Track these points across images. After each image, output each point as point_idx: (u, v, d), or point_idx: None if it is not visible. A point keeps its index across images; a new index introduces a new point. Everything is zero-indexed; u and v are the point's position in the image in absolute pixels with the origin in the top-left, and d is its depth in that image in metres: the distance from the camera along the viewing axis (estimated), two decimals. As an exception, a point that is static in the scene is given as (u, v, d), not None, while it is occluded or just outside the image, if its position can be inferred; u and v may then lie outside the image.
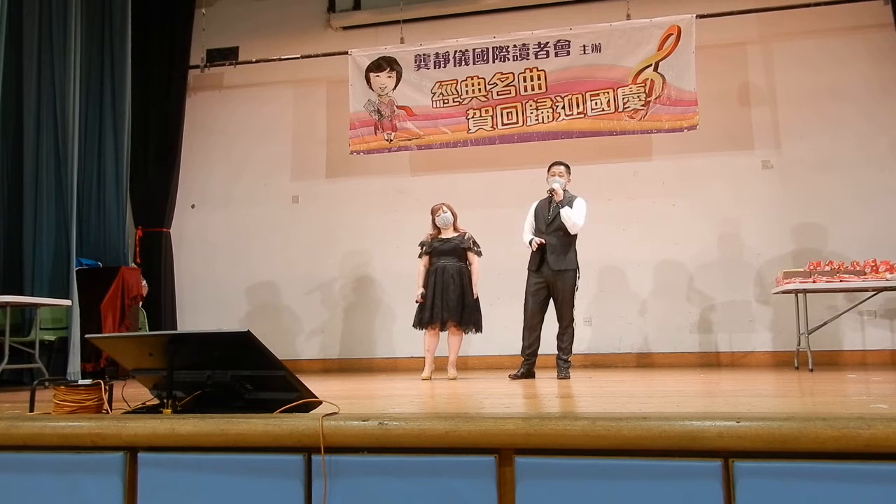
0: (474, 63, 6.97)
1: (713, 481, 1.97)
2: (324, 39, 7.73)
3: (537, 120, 6.82)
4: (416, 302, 5.27)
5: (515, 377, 5.01)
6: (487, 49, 6.96)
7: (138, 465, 2.30)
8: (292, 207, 7.73)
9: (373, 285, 7.45)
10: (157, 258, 7.31)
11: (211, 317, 7.65)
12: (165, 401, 2.44)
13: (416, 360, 6.30)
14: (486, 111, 6.93)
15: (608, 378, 4.96)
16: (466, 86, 6.98)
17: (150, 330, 6.74)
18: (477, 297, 5.25)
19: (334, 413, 2.24)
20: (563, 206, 5.06)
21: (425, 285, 5.26)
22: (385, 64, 7.15)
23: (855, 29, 6.74)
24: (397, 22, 7.39)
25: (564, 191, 5.23)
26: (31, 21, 5.78)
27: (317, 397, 2.52)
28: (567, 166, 5.28)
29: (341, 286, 7.54)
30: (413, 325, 5.32)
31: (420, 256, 5.39)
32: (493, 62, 6.94)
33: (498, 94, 6.92)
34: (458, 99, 6.99)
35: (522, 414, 2.19)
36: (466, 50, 7.00)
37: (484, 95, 6.94)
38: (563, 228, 5.08)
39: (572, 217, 5.04)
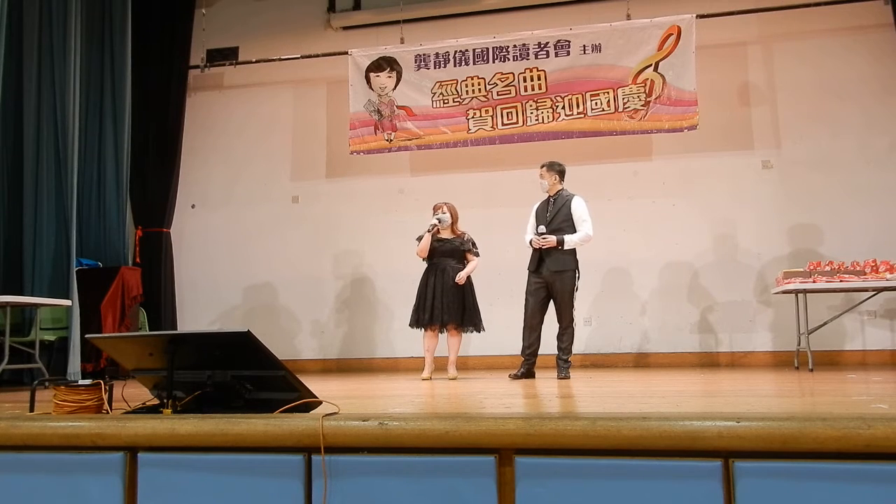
0: (474, 63, 6.97)
1: (713, 481, 1.97)
2: (324, 39, 7.73)
3: (537, 120, 6.82)
4: (431, 226, 5.22)
5: (515, 377, 5.01)
6: (487, 49, 6.96)
7: (138, 465, 2.30)
8: (292, 207, 7.73)
9: (373, 285, 7.45)
10: (157, 258, 7.31)
11: (211, 317, 7.66)
12: (165, 401, 2.45)
13: (416, 360, 6.30)
14: (486, 111, 6.93)
15: (608, 378, 4.96)
16: (466, 86, 6.98)
17: (150, 330, 6.74)
18: (475, 300, 5.26)
19: (334, 413, 2.24)
20: (560, 245, 5.03)
21: (425, 285, 5.25)
22: (385, 64, 7.15)
23: (855, 29, 6.74)
24: (397, 22, 7.39)
25: (562, 190, 5.24)
26: (31, 21, 5.78)
27: (317, 397, 2.52)
28: (549, 165, 5.25)
29: (341, 286, 7.54)
30: (409, 325, 5.31)
31: (427, 233, 5.25)
32: (493, 62, 6.93)
33: (498, 94, 6.91)
34: (458, 99, 6.99)
35: (522, 414, 2.19)
36: (466, 50, 6.99)
37: (484, 95, 6.94)
38: (561, 229, 5.09)
39: (580, 238, 5.07)
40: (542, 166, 5.28)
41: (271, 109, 7.89)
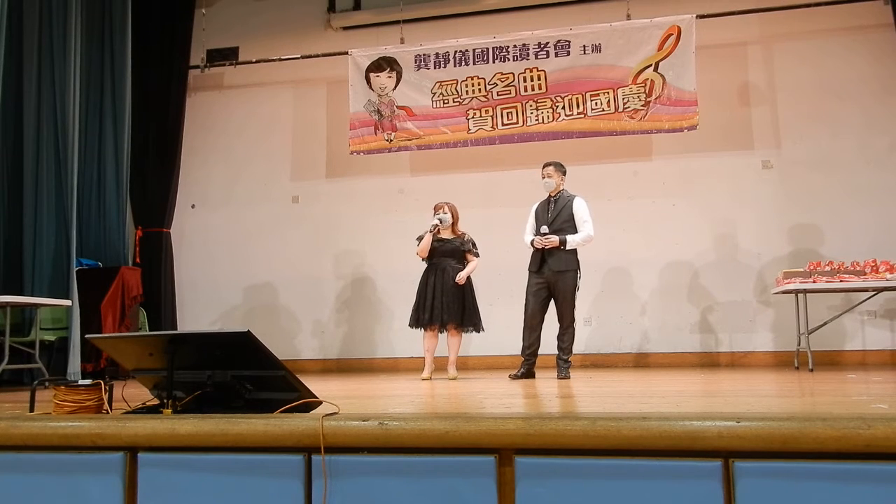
0: (474, 63, 6.97)
1: (713, 481, 1.97)
2: (324, 39, 7.73)
3: (537, 120, 6.82)
4: (433, 226, 5.22)
5: (515, 377, 5.01)
6: (487, 49, 6.96)
7: (138, 465, 2.30)
8: (292, 207, 7.73)
9: (372, 285, 7.45)
10: (157, 258, 7.31)
11: (211, 317, 7.66)
12: (165, 401, 2.45)
13: (416, 360, 6.30)
14: (486, 111, 6.93)
15: (608, 378, 4.96)
16: (466, 86, 6.98)
17: (150, 330, 6.74)
18: (475, 300, 5.26)
19: (334, 413, 2.24)
20: (563, 245, 5.03)
21: (425, 285, 5.25)
22: (385, 64, 7.15)
23: (855, 29, 6.74)
24: (397, 22, 7.39)
25: (563, 190, 5.24)
26: (31, 21, 5.78)
27: (317, 397, 2.52)
28: (556, 165, 5.26)
29: (341, 286, 7.54)
30: (409, 325, 5.31)
31: (428, 233, 5.25)
32: (493, 62, 6.93)
33: (498, 95, 6.91)
34: (458, 99, 6.99)
35: (522, 414, 2.19)
36: (466, 50, 6.99)
37: (484, 95, 6.94)
38: (563, 229, 5.09)
39: (582, 238, 5.07)
40: (549, 165, 5.26)
41: (271, 109, 7.89)
